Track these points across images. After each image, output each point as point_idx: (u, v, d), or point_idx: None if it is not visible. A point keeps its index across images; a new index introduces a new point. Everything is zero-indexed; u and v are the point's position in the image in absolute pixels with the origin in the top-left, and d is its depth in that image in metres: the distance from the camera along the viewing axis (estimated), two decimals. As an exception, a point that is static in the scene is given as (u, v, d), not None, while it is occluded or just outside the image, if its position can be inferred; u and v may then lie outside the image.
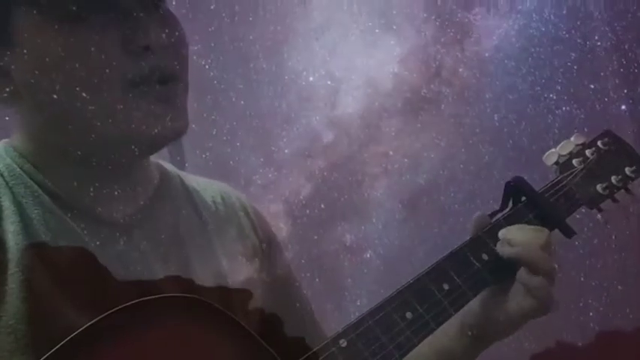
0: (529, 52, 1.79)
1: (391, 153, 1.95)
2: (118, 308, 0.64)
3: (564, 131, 1.92)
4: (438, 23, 1.87)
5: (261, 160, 1.95)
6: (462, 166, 1.81)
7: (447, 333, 0.88)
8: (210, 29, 1.95)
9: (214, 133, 1.97)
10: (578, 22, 1.74)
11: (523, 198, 0.90)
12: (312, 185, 1.97)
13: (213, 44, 1.96)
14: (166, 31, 0.73)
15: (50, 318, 0.68)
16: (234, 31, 1.95)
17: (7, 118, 0.75)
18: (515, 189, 0.90)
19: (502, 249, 0.84)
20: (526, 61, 1.79)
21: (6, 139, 0.78)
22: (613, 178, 0.95)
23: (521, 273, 0.83)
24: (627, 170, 0.96)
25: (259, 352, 0.71)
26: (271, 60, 1.96)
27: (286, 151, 1.95)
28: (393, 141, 1.95)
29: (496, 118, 1.78)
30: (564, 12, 1.75)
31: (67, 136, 0.72)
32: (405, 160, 1.92)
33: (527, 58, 1.79)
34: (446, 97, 1.87)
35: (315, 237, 1.92)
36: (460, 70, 1.87)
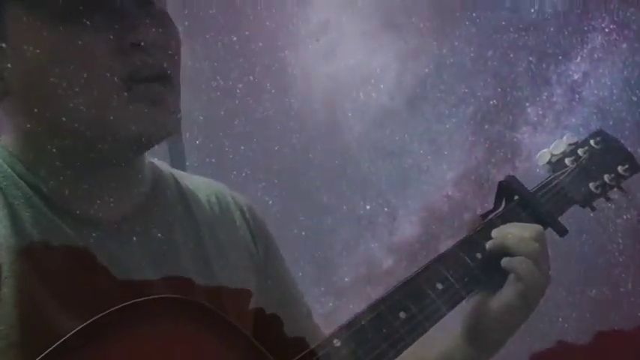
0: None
1: (451, 275, 1.92)
2: (109, 311, 0.63)
3: (628, 240, 1.84)
4: (487, 145, 1.91)
5: (322, 289, 1.96)
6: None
7: (449, 340, 0.84)
8: (273, 168, 2.07)
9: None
10: (627, 132, 1.74)
11: (516, 197, 0.89)
12: (372, 311, 1.94)
13: (276, 181, 2.07)
14: (158, 29, 0.72)
15: (43, 322, 0.67)
16: (295, 166, 2.05)
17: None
18: (508, 188, 0.90)
19: (488, 244, 0.83)
20: (579, 174, 1.78)
21: None
22: (606, 177, 0.93)
23: (504, 259, 0.83)
24: (620, 169, 0.95)
25: (253, 353, 0.70)
26: (330, 192, 2.04)
27: (346, 279, 1.97)
28: (452, 263, 1.93)
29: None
30: (611, 123, 1.76)
31: (58, 137, 0.71)
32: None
33: (580, 171, 1.78)
34: (502, 216, 1.86)
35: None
36: (514, 188, 1.88)
